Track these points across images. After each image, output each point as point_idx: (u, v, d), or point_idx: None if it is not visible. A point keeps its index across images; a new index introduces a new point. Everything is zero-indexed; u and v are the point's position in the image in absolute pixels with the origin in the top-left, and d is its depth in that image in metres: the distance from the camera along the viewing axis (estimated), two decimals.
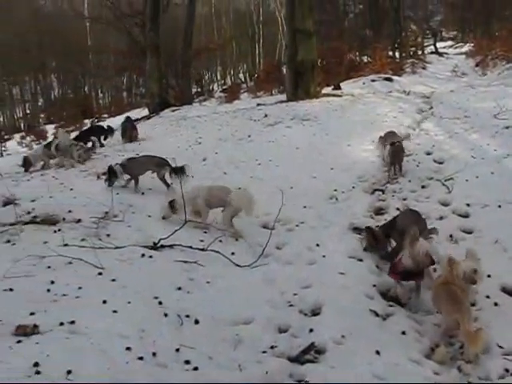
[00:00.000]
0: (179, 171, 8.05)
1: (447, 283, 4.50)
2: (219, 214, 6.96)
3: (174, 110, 23.32)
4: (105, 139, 13.55)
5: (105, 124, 15.90)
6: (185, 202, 6.77)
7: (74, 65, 59.57)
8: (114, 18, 31.02)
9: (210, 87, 53.27)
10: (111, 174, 8.31)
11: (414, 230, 5.01)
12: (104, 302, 4.53)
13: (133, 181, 8.42)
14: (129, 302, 4.59)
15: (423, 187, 8.32)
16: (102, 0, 32.23)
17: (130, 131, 14.12)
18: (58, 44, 57.10)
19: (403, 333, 4.56)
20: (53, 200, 7.29)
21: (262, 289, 5.29)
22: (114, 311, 4.41)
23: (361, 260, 6.04)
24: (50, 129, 37.89)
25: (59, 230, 6.28)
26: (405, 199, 7.86)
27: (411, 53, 34.13)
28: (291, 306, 4.98)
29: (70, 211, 6.86)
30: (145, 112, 26.91)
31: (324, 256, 6.05)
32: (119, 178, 8.32)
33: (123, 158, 9.22)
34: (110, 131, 13.88)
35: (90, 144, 12.63)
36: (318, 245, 6.36)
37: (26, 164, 10.82)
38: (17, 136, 36.93)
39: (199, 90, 44.21)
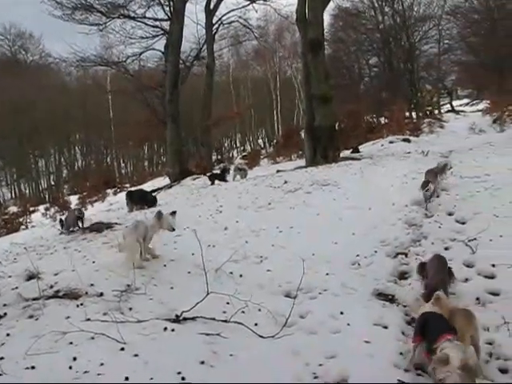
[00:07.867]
0: None
1: None
2: (243, 284, 6.92)
3: (194, 179, 23.77)
4: None
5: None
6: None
7: (97, 136, 61.41)
8: (134, 91, 31.98)
9: (230, 154, 54.19)
10: None
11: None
12: (126, 378, 4.49)
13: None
14: (151, 378, 4.53)
15: (446, 249, 8.06)
16: (124, 74, 33.39)
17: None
18: (81, 117, 59.13)
19: None
20: (75, 273, 7.31)
21: (287, 360, 5.16)
22: None
23: (386, 327, 5.88)
24: (74, 199, 38.57)
25: (81, 304, 6.30)
26: None
27: (428, 112, 34.52)
28: (316, 377, 4.84)
29: (92, 284, 6.92)
30: (166, 181, 27.35)
31: (348, 324, 5.92)
32: None
33: None
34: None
35: None
36: (341, 313, 6.23)
37: None
38: (41, 207, 37.40)
39: (219, 157, 44.95)
